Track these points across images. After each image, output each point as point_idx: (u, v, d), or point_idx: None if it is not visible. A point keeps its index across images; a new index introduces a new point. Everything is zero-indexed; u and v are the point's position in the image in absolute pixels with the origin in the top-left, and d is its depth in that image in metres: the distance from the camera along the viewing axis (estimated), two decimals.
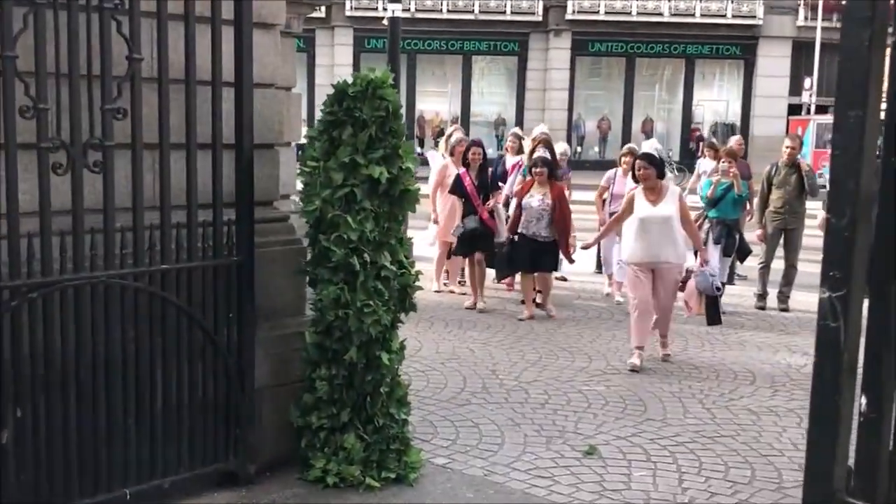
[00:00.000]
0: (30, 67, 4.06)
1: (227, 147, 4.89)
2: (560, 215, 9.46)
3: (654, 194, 7.79)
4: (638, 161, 8.05)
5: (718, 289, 8.24)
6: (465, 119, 32.88)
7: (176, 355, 4.72)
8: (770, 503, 5.03)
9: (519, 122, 33.72)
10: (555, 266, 10.01)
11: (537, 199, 9.43)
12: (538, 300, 9.81)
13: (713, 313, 8.30)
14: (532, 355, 8.06)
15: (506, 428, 6.12)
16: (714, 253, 9.76)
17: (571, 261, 10.00)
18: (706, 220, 9.95)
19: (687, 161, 29.93)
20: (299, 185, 6.09)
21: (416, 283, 5.23)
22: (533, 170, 9.60)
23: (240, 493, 4.94)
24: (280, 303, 5.35)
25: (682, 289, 8.24)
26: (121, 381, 4.51)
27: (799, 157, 10.58)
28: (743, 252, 10.22)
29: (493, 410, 6.48)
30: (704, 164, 12.12)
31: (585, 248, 9.32)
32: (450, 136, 11.49)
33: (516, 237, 9.55)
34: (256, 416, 5.06)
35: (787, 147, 10.45)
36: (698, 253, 8.23)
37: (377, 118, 4.94)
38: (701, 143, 16.64)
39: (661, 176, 7.88)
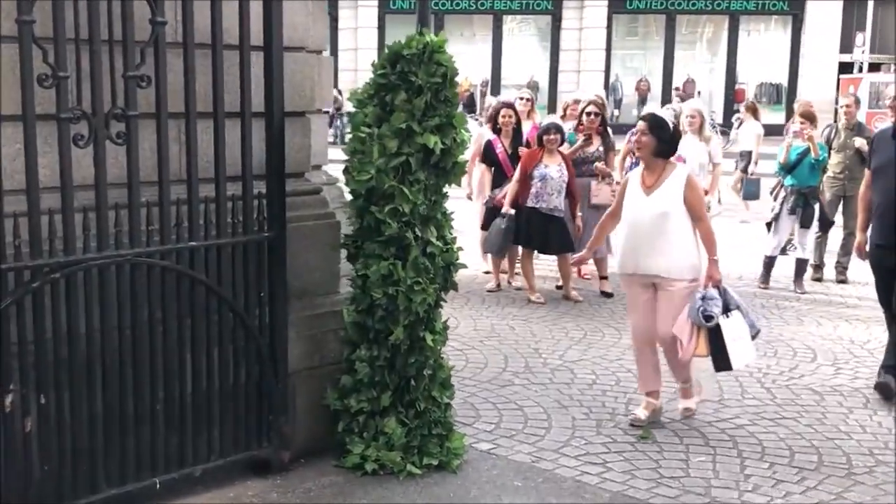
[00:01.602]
0: (48, 33, 3.78)
1: (256, 116, 4.61)
2: (575, 188, 8.76)
3: (653, 177, 5.55)
4: (638, 124, 5.81)
5: (710, 317, 5.33)
6: (495, 82, 32.27)
7: (205, 337, 4.47)
8: (840, 491, 4.70)
9: (553, 84, 33.15)
10: (573, 246, 8.78)
11: (555, 169, 8.59)
12: (561, 286, 9.11)
13: (717, 354, 5.46)
14: (576, 332, 7.74)
15: (552, 410, 5.82)
16: (788, 225, 9.25)
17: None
18: (781, 189, 9.30)
19: (730, 123, 29.23)
20: (333, 154, 5.82)
21: (459, 261, 4.92)
22: (545, 136, 8.72)
23: (273, 482, 4.70)
24: (313, 281, 5.07)
25: None
26: (148, 365, 4.27)
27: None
28: (824, 223, 9.48)
29: (537, 392, 6.18)
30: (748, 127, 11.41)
31: (577, 263, 8.15)
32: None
33: (513, 211, 8.64)
34: (290, 400, 4.80)
35: (844, 107, 9.91)
36: (709, 264, 5.53)
37: (433, 84, 4.63)
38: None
39: (667, 152, 5.58)
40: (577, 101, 10.47)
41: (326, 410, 4.93)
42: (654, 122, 5.59)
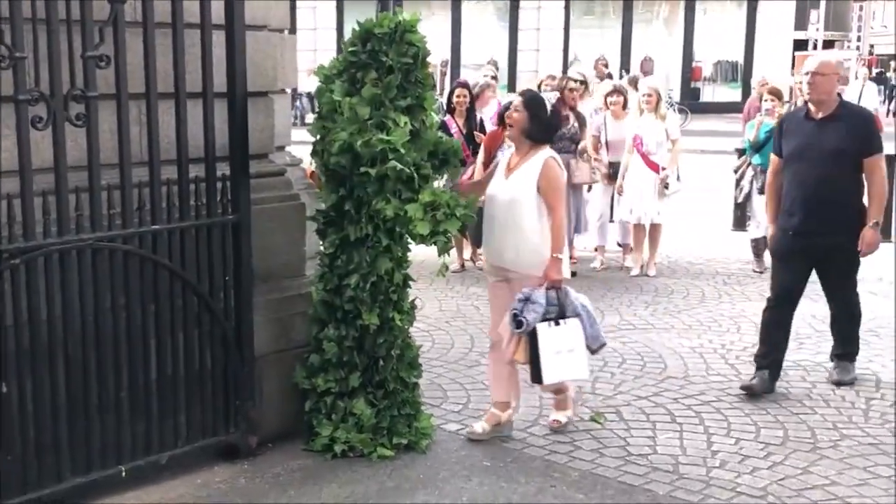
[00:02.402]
0: (3, 13, 3.69)
1: (218, 96, 4.53)
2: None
3: (516, 159, 5.00)
4: (514, 99, 5.34)
5: (521, 324, 4.71)
6: (455, 63, 32.13)
7: (170, 322, 4.40)
8: (806, 465, 4.75)
9: (512, 64, 33.10)
10: None
11: None
12: None
13: (533, 362, 4.83)
14: None
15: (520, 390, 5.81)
16: (761, 203, 9.26)
17: None
18: (749, 168, 9.24)
19: (689, 101, 29.40)
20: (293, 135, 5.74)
21: None
22: (507, 115, 8.69)
23: (242, 467, 4.66)
24: (279, 263, 5.02)
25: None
26: (112, 351, 4.20)
27: None
28: None
29: None
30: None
31: None
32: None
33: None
34: (257, 385, 4.75)
35: (800, 82, 9.90)
36: (549, 262, 4.81)
37: (404, 65, 4.58)
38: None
39: (538, 135, 4.95)
40: (551, 77, 10.46)
41: (295, 394, 4.89)
42: (531, 100, 5.05)
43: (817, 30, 31.43)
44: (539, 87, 10.30)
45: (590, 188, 9.57)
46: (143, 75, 4.20)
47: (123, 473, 4.28)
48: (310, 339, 4.89)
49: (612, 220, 9.63)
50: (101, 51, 3.98)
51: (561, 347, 4.74)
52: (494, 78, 10.57)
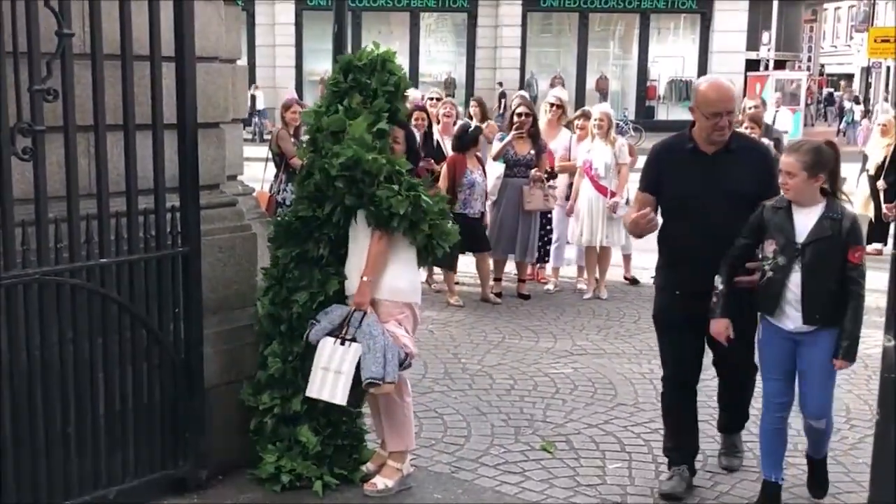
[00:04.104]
0: None
1: (168, 127, 4.50)
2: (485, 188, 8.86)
3: None
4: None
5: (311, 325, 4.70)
6: (413, 79, 32.18)
7: (118, 356, 4.35)
8: (752, 495, 4.81)
9: (470, 81, 33.31)
10: (489, 246, 9.02)
11: (479, 174, 8.75)
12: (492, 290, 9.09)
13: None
14: (494, 336, 7.79)
15: (471, 418, 5.84)
16: None
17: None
18: None
19: (643, 120, 29.72)
20: (251, 152, 5.72)
21: None
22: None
23: (191, 500, 4.63)
24: (230, 295, 5.01)
25: None
26: (59, 386, 4.14)
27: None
28: None
29: (456, 399, 6.20)
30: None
31: None
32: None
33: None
34: (207, 417, 4.72)
35: (752, 108, 10.07)
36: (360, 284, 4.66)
37: (386, 91, 4.67)
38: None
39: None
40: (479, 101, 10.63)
41: (244, 425, 4.86)
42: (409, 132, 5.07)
43: (769, 50, 31.98)
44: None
45: (548, 214, 9.57)
46: (91, 107, 4.18)
47: None
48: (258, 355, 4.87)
49: (568, 242, 9.71)
50: (48, 84, 3.95)
51: (330, 366, 4.58)
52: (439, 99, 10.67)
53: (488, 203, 9.06)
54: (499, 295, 9.10)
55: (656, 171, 4.86)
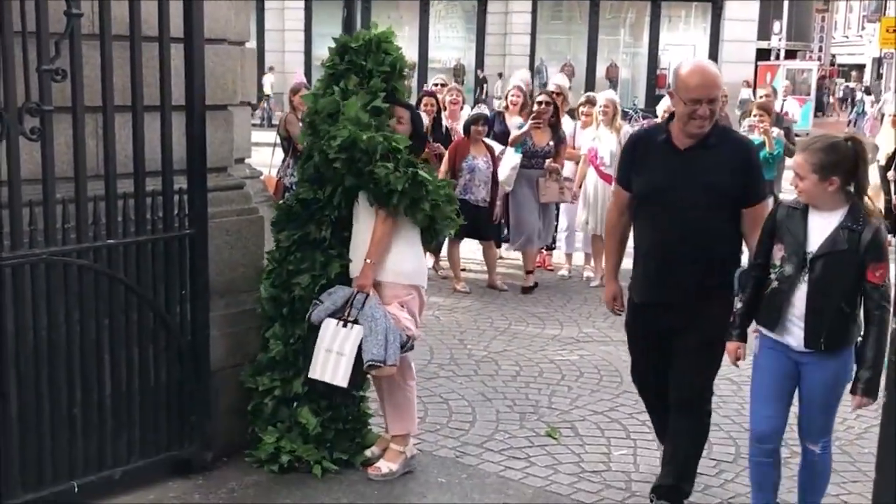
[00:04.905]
0: None
1: (176, 109, 4.51)
2: (497, 177, 8.74)
3: None
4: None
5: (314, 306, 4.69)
6: (422, 66, 32.17)
7: (124, 337, 4.37)
8: None
9: (479, 68, 33.19)
10: (499, 234, 9.16)
11: (483, 160, 8.64)
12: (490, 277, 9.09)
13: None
14: (501, 322, 7.79)
15: (476, 403, 5.85)
16: None
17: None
18: None
19: (653, 109, 29.55)
20: (259, 137, 5.72)
21: None
22: (473, 127, 8.71)
23: (196, 482, 4.64)
24: (236, 278, 5.01)
25: None
26: (65, 366, 4.15)
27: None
28: None
29: (462, 384, 6.21)
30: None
31: None
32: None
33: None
34: (212, 399, 4.73)
35: (763, 97, 10.02)
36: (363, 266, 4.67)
37: (382, 72, 4.66)
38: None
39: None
40: (518, 88, 10.13)
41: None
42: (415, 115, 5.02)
43: (780, 40, 31.82)
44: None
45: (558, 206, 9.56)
46: (99, 88, 4.18)
47: (76, 489, 4.23)
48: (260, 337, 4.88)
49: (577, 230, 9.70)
50: (56, 64, 3.95)
51: (332, 347, 4.56)
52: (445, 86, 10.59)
53: (500, 193, 8.93)
54: (530, 289, 8.90)
55: (628, 163, 4.39)
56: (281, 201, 5.19)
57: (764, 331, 4.06)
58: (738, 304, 4.09)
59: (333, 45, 4.79)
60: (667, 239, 4.15)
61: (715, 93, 4.06)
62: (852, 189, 3.88)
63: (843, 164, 3.83)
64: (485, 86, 30.28)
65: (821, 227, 3.87)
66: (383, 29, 4.78)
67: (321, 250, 4.77)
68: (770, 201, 4.63)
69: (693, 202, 4.08)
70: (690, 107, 4.03)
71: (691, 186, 4.09)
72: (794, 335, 3.94)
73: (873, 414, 5.43)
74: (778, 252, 3.96)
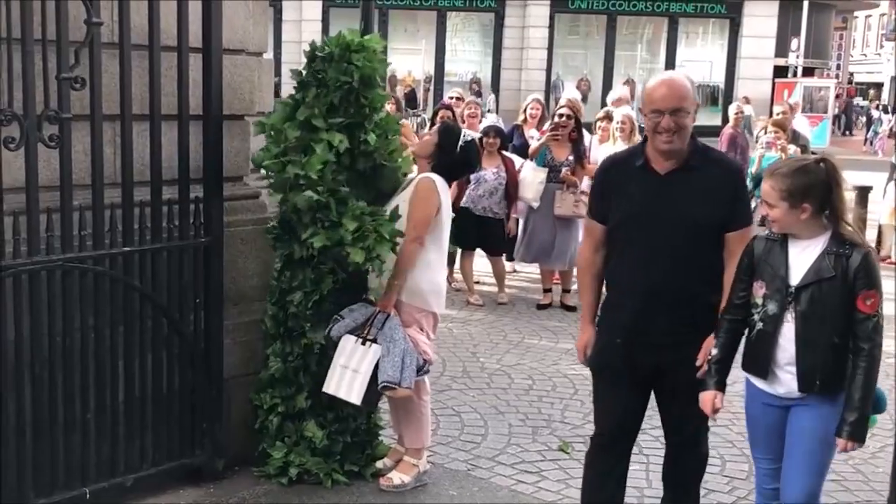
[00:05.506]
0: None
1: (193, 118, 4.54)
2: (513, 191, 8.68)
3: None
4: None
5: (334, 321, 4.69)
6: (438, 78, 32.28)
7: (138, 344, 4.39)
8: None
9: (495, 82, 33.23)
10: (504, 247, 9.04)
11: (491, 172, 8.59)
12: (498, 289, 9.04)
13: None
14: (514, 335, 7.79)
15: (489, 417, 5.85)
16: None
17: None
18: (753, 200, 8.97)
19: None
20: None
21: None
22: (485, 139, 8.63)
23: (207, 490, 4.65)
24: (250, 286, 5.03)
25: None
26: (79, 372, 4.18)
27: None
28: None
29: (474, 397, 6.21)
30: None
31: None
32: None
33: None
34: (224, 408, 4.74)
35: (780, 114, 9.99)
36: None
37: (343, 83, 4.54)
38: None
39: (438, 161, 4.83)
40: (537, 101, 10.18)
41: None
42: (444, 129, 5.00)
43: (797, 57, 31.75)
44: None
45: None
46: (118, 97, 4.21)
47: (87, 495, 4.25)
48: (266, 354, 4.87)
49: None
50: (76, 72, 3.99)
51: (349, 364, 4.55)
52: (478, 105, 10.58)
53: (521, 208, 8.85)
54: (545, 307, 8.82)
55: (599, 193, 4.00)
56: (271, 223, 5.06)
57: (752, 379, 3.73)
58: (713, 351, 3.71)
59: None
60: (648, 272, 3.76)
61: (678, 104, 3.66)
62: (827, 214, 3.53)
63: (815, 188, 3.48)
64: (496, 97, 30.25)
65: (802, 256, 3.53)
66: (369, 36, 4.66)
67: (311, 267, 4.68)
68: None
69: (674, 231, 3.73)
70: (653, 119, 3.68)
71: (672, 214, 3.73)
72: (785, 384, 3.58)
73: (888, 433, 5.41)
74: (759, 290, 3.59)
